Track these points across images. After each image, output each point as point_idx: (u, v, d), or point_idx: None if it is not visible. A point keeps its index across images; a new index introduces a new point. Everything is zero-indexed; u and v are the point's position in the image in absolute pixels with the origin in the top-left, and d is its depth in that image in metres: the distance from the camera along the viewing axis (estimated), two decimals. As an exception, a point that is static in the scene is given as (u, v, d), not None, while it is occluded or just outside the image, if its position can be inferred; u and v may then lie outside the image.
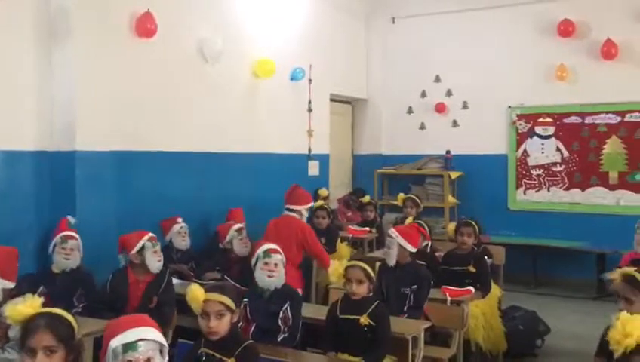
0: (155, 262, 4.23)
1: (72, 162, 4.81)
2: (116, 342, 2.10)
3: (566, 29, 7.71)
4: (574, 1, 7.74)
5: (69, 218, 4.58)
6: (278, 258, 3.82)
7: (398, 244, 4.38)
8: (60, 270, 4.19)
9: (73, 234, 4.32)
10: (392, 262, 4.38)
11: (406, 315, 4.18)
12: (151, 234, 4.31)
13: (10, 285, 3.47)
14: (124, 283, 4.17)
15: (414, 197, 6.75)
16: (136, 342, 2.11)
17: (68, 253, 4.21)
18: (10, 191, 4.58)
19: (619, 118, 7.64)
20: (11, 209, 4.57)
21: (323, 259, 5.32)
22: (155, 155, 5.58)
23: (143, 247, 4.20)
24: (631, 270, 2.89)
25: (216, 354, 2.87)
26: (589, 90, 7.73)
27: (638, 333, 1.80)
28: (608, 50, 7.49)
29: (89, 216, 4.85)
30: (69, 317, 2.22)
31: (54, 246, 4.25)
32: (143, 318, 2.25)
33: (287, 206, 5.36)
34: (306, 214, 5.46)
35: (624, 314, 1.85)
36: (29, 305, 2.22)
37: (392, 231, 4.48)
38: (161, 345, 2.18)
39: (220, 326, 2.86)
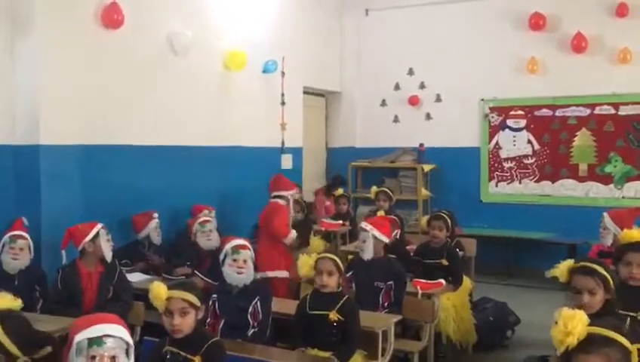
0: (109, 250, 4.15)
1: (37, 156, 4.72)
2: (81, 336, 2.05)
3: (537, 23, 7.77)
4: (545, -5, 7.80)
5: (24, 219, 4.46)
6: (247, 254, 3.76)
7: (373, 236, 4.34)
8: (11, 271, 4.09)
9: (22, 233, 4.19)
10: (368, 256, 4.32)
11: (386, 311, 4.17)
12: (102, 224, 4.20)
13: None
14: (76, 277, 4.04)
15: (387, 190, 6.73)
16: (101, 337, 2.06)
17: (16, 253, 4.10)
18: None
19: (589, 111, 7.73)
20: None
21: (280, 233, 5.51)
22: (123, 149, 5.48)
23: (97, 235, 4.09)
24: (570, 262, 2.91)
25: (181, 352, 2.82)
26: (559, 83, 7.80)
27: (579, 331, 1.80)
28: (578, 44, 7.55)
29: (54, 212, 4.76)
30: None
31: (3, 246, 4.13)
32: (111, 317, 2.21)
33: (273, 193, 5.68)
34: (290, 199, 5.76)
35: (565, 312, 1.85)
36: None
37: (365, 225, 4.44)
38: (128, 344, 2.13)
39: (184, 323, 2.80)
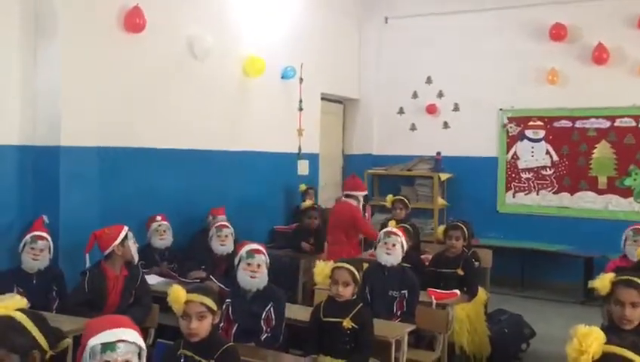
0: (136, 252, 4.20)
1: (57, 157, 4.76)
2: (95, 341, 2.07)
3: (558, 33, 7.71)
4: (566, 6, 7.73)
5: (44, 217, 4.51)
6: (261, 258, 3.76)
7: (401, 243, 4.37)
8: (30, 270, 4.13)
9: (43, 234, 4.24)
10: (396, 260, 4.32)
11: (399, 320, 4.16)
12: (127, 226, 4.25)
13: None
14: (103, 280, 4.07)
15: (404, 198, 6.68)
16: (115, 342, 2.07)
17: (37, 254, 4.14)
18: (-9, 187, 4.53)
19: (609, 123, 7.65)
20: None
21: (370, 236, 5.97)
22: (142, 152, 5.52)
23: (125, 238, 4.14)
24: (612, 275, 2.89)
25: (195, 356, 2.83)
26: (579, 95, 7.73)
27: (595, 349, 1.78)
28: (600, 55, 7.49)
29: (73, 213, 4.80)
30: (30, 325, 2.15)
31: (24, 245, 4.17)
32: (124, 320, 2.21)
33: (346, 192, 6.24)
34: (361, 200, 6.26)
35: (581, 329, 1.83)
36: (4, 305, 2.18)
37: (396, 230, 4.47)
38: (140, 348, 2.15)
39: (201, 327, 2.82)
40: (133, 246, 4.17)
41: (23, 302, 2.22)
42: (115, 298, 4.05)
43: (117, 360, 2.06)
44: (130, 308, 3.97)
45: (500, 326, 5.25)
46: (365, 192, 6.49)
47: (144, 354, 2.16)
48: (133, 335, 2.13)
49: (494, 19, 8.20)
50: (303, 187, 7.34)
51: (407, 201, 6.66)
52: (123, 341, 2.08)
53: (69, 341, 2.24)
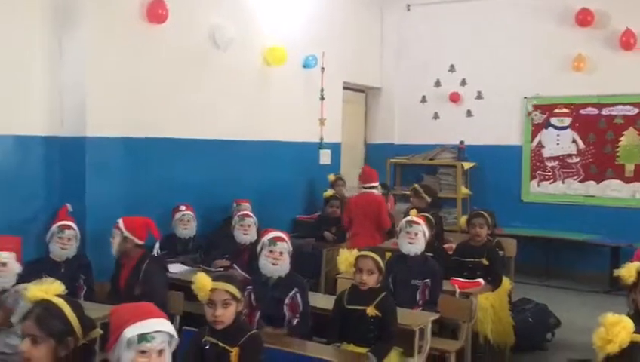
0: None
1: (82, 148, 4.83)
2: (132, 332, 2.09)
3: (584, 19, 7.57)
4: (593, -10, 7.59)
5: (68, 206, 4.58)
6: (284, 246, 3.77)
7: (423, 232, 4.34)
8: (58, 258, 4.21)
9: (71, 224, 4.31)
10: (419, 249, 4.30)
11: (422, 309, 4.15)
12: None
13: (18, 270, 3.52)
14: (119, 268, 4.18)
15: (417, 187, 6.50)
16: (152, 333, 2.10)
17: (65, 243, 4.22)
18: (19, 177, 4.61)
19: (636, 110, 7.50)
20: (21, 194, 4.60)
21: (385, 226, 6.11)
22: (166, 142, 5.57)
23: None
24: (639, 264, 2.84)
25: (220, 343, 2.86)
26: (606, 81, 7.59)
27: (621, 339, 1.75)
28: (627, 41, 7.33)
29: (98, 203, 4.87)
30: (68, 311, 2.18)
31: (52, 235, 4.26)
32: (155, 309, 2.22)
33: (364, 185, 6.24)
34: (380, 189, 6.41)
35: (610, 317, 1.80)
36: (45, 289, 2.23)
37: (417, 219, 4.44)
38: (172, 337, 2.18)
39: (226, 315, 2.85)
40: None
41: (61, 287, 2.26)
42: (122, 287, 4.11)
43: (153, 350, 2.09)
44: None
45: (525, 315, 5.22)
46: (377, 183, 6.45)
47: (175, 342, 2.18)
48: (167, 325, 2.16)
49: (518, 5, 8.07)
50: (331, 177, 7.33)
51: (421, 190, 6.42)
52: (159, 331, 2.12)
53: (99, 331, 2.27)
